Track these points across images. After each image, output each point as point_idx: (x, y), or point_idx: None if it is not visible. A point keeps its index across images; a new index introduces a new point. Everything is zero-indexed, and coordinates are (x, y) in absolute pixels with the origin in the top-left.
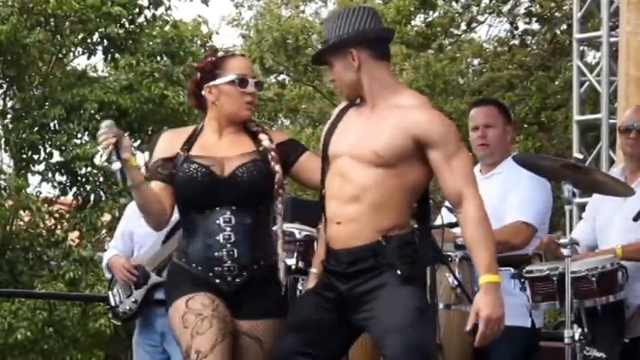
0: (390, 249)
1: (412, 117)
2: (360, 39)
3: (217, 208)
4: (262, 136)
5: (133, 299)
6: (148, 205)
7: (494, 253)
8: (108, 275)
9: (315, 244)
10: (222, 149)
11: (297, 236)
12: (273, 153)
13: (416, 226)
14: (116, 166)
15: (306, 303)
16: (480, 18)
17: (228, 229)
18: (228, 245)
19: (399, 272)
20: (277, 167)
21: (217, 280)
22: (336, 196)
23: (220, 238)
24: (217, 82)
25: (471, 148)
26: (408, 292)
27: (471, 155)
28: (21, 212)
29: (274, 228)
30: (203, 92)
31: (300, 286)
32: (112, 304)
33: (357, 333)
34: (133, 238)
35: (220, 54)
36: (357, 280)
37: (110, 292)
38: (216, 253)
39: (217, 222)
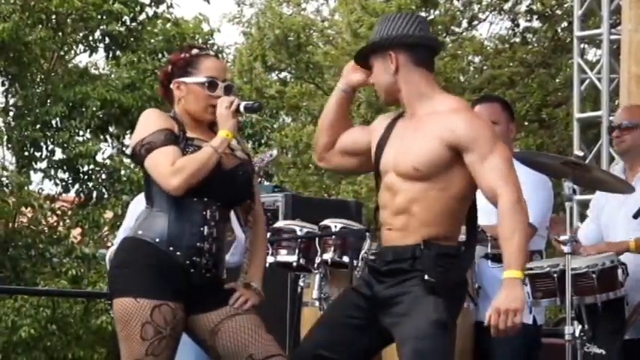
0: (427, 255)
1: (444, 123)
2: (400, 42)
3: (205, 199)
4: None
5: None
6: None
7: (520, 248)
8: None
9: (316, 241)
10: (211, 139)
11: (299, 233)
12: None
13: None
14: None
15: (344, 300)
16: (481, 16)
17: (213, 223)
18: (210, 239)
19: (426, 277)
20: (256, 180)
21: (192, 270)
22: (387, 207)
23: (205, 230)
24: (187, 80)
25: None
26: (432, 303)
27: None
28: (23, 209)
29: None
30: (172, 86)
31: (301, 283)
32: None
33: (386, 340)
34: None
35: (195, 52)
36: (390, 280)
37: None
38: (198, 244)
39: (204, 213)
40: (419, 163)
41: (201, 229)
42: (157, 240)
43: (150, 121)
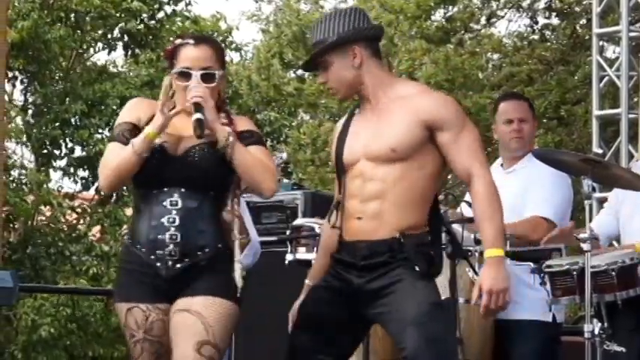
0: (407, 246)
1: (418, 104)
2: (361, 36)
3: (165, 189)
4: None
5: None
6: None
7: (499, 228)
8: None
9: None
10: (184, 129)
11: (317, 231)
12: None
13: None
14: (196, 116)
15: (316, 300)
16: (500, 13)
17: (174, 211)
18: (172, 229)
19: (417, 268)
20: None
21: (158, 264)
22: (357, 195)
23: (165, 220)
24: (172, 72)
25: (489, 143)
26: (425, 287)
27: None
28: (42, 208)
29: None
30: None
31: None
32: None
33: (367, 328)
34: None
35: (177, 42)
36: (372, 274)
37: None
38: (159, 236)
39: (164, 203)
40: (396, 143)
41: (162, 220)
42: (130, 241)
43: (123, 112)
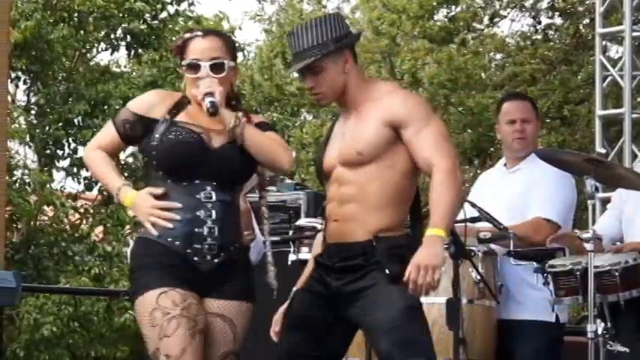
0: (379, 249)
1: (383, 104)
2: (353, 42)
3: (197, 182)
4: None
5: None
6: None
7: (447, 212)
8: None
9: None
10: (208, 121)
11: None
12: None
13: (408, 230)
14: (208, 98)
15: (300, 302)
16: (503, 12)
17: (209, 205)
18: (209, 222)
19: (387, 271)
20: (260, 169)
21: (195, 258)
22: (335, 199)
23: (201, 213)
24: (182, 64)
25: (492, 143)
26: (398, 291)
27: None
28: (45, 208)
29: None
30: None
31: None
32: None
33: (355, 328)
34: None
35: (186, 36)
36: (347, 277)
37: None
38: (196, 229)
39: (198, 196)
40: (362, 146)
41: (198, 213)
42: (155, 234)
43: (137, 99)
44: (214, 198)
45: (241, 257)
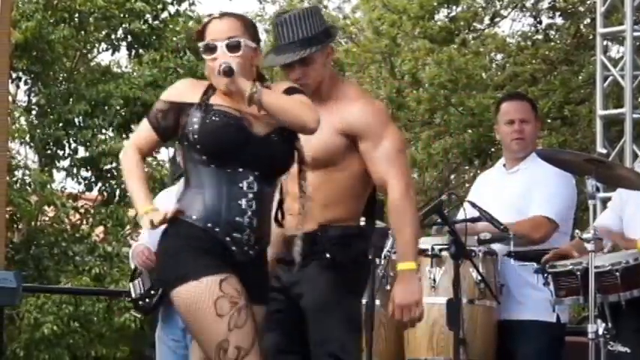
0: (324, 237)
1: (340, 112)
2: (337, 35)
3: (241, 170)
4: None
5: (154, 291)
6: None
7: (410, 241)
8: (132, 265)
9: None
10: (245, 106)
11: None
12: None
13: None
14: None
15: (271, 301)
16: (504, 12)
17: (251, 195)
18: (249, 212)
19: (327, 255)
20: (299, 144)
21: (234, 248)
22: (289, 194)
23: (243, 203)
24: (199, 46)
25: (492, 143)
26: (325, 281)
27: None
28: (46, 208)
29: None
30: None
31: None
32: (133, 295)
33: None
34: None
35: (206, 19)
36: (293, 267)
37: (131, 284)
38: (237, 218)
39: (240, 185)
40: (315, 152)
41: (239, 202)
42: (195, 218)
43: (171, 88)
44: (256, 188)
45: (266, 254)
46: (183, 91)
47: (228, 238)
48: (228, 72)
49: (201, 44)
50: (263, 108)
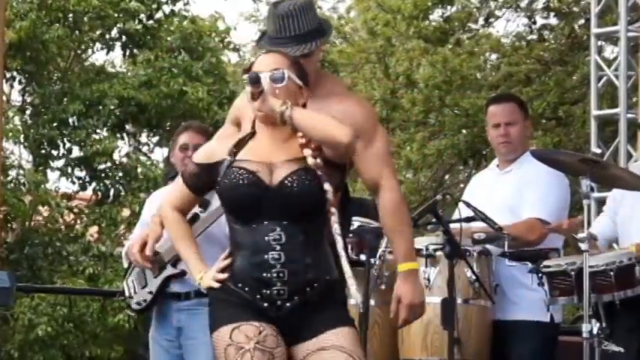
0: None
1: (330, 110)
2: (332, 28)
3: (265, 222)
4: (306, 151)
5: (148, 290)
6: None
7: (411, 240)
8: (125, 264)
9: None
10: (272, 152)
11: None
12: (320, 171)
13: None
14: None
15: None
16: (498, 13)
17: (278, 247)
18: (278, 266)
19: None
20: (327, 186)
21: (265, 304)
22: None
23: (269, 257)
24: (243, 77)
25: (487, 143)
26: None
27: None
28: (40, 208)
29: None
30: None
31: None
32: (127, 294)
33: None
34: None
35: (253, 59)
36: None
37: (125, 282)
38: (264, 274)
39: (266, 238)
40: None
41: (265, 256)
42: (228, 278)
43: (198, 150)
44: (284, 239)
45: (324, 297)
46: (214, 150)
47: (258, 296)
48: (255, 80)
49: (245, 76)
50: (294, 125)
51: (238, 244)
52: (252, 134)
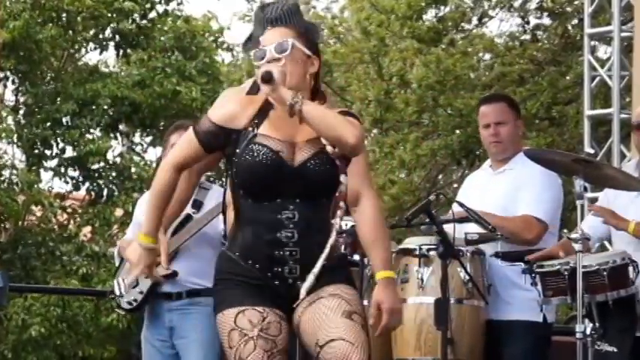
0: None
1: None
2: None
3: (279, 200)
4: (324, 140)
5: (139, 290)
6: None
7: (388, 251)
8: (117, 262)
9: None
10: (293, 129)
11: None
12: (338, 161)
13: None
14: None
15: None
16: (492, 13)
17: (291, 225)
18: (291, 244)
19: None
20: (343, 178)
21: (276, 282)
22: None
23: (282, 235)
24: (250, 54)
25: (480, 143)
26: None
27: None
28: (33, 208)
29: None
30: None
31: None
32: (117, 292)
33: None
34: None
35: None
36: None
37: (115, 281)
38: (276, 252)
39: (279, 217)
40: None
41: (278, 234)
42: (237, 254)
43: (214, 108)
44: (297, 217)
45: (334, 270)
46: (233, 114)
47: (269, 274)
48: (266, 78)
49: (252, 52)
50: (303, 118)
51: (247, 219)
52: (270, 105)
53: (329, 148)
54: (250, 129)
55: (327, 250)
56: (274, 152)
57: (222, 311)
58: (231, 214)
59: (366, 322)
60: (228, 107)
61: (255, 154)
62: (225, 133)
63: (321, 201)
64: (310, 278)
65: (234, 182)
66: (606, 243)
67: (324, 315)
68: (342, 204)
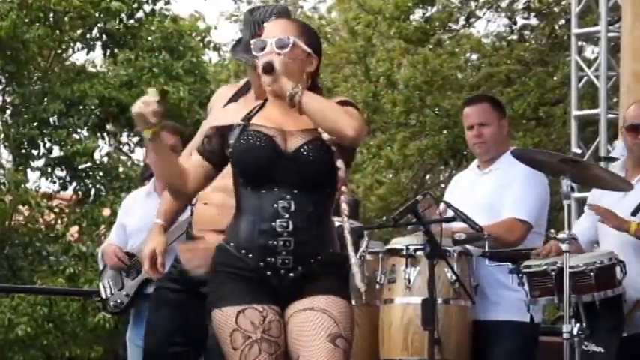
0: None
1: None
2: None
3: (276, 190)
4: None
5: (125, 292)
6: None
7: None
8: (101, 265)
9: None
10: (285, 121)
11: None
12: (334, 147)
13: None
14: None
15: None
16: (479, 13)
17: (286, 215)
18: (285, 234)
19: None
20: (339, 163)
21: (268, 272)
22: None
23: (276, 224)
24: (251, 45)
25: (464, 142)
26: None
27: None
28: (20, 207)
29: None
30: None
31: None
32: (103, 295)
33: None
34: (126, 230)
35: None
36: None
37: (100, 283)
38: (270, 242)
39: (274, 205)
40: None
41: (273, 224)
42: (232, 244)
43: (212, 114)
44: (293, 207)
45: (327, 268)
46: (230, 113)
47: (261, 264)
48: (267, 68)
49: (252, 41)
50: (302, 109)
51: (244, 208)
52: (262, 104)
53: (325, 136)
54: (242, 123)
55: (349, 242)
56: (268, 137)
57: (221, 308)
58: (204, 207)
59: (351, 345)
60: (220, 114)
61: (250, 137)
62: (219, 134)
63: (320, 192)
64: (355, 270)
65: (234, 171)
66: (596, 246)
67: (311, 331)
68: (343, 188)
